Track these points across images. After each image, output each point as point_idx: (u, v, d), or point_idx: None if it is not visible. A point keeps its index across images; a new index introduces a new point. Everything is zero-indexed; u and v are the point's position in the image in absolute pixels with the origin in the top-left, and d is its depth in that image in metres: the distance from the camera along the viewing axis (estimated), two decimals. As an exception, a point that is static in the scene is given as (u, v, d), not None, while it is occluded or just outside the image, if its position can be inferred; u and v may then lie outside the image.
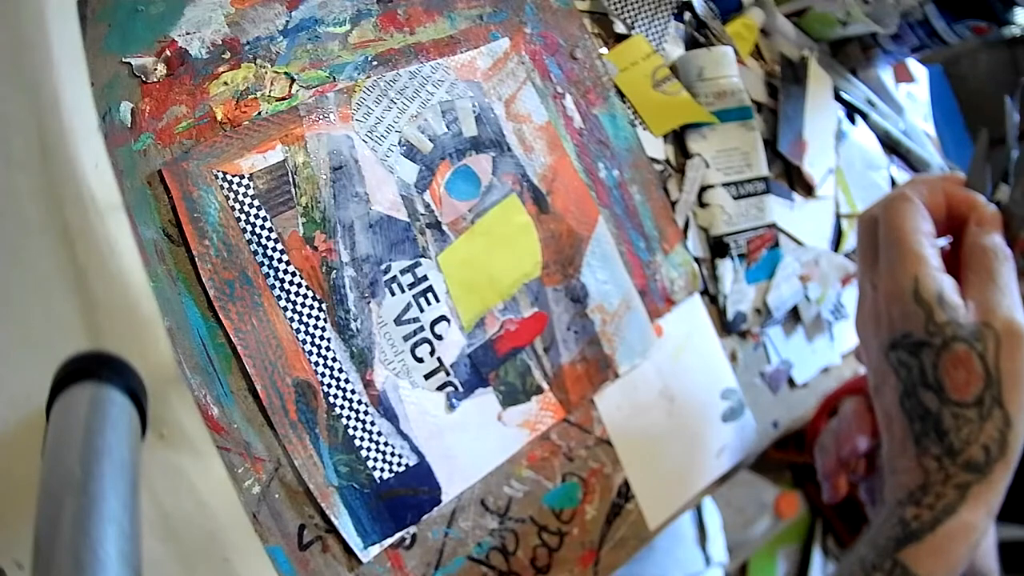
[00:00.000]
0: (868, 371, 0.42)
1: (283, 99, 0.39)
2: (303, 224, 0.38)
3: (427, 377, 0.41)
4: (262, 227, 0.38)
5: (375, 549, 0.38)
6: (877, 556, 0.37)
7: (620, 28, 0.53)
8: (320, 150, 0.39)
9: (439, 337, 0.41)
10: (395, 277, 0.41)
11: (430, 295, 0.41)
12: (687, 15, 0.57)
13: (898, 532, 0.37)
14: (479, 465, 0.42)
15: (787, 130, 0.59)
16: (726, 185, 0.54)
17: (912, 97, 0.74)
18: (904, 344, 0.38)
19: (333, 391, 0.38)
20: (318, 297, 0.38)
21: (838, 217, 0.63)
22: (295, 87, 0.40)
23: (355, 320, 0.39)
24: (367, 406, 0.39)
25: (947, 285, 0.38)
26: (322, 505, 0.37)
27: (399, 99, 0.42)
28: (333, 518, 0.37)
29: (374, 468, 0.39)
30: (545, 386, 0.44)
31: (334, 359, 0.38)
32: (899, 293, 0.38)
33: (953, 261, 0.41)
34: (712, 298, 0.53)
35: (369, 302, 0.40)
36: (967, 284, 0.38)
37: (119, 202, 0.32)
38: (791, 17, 0.63)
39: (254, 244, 0.37)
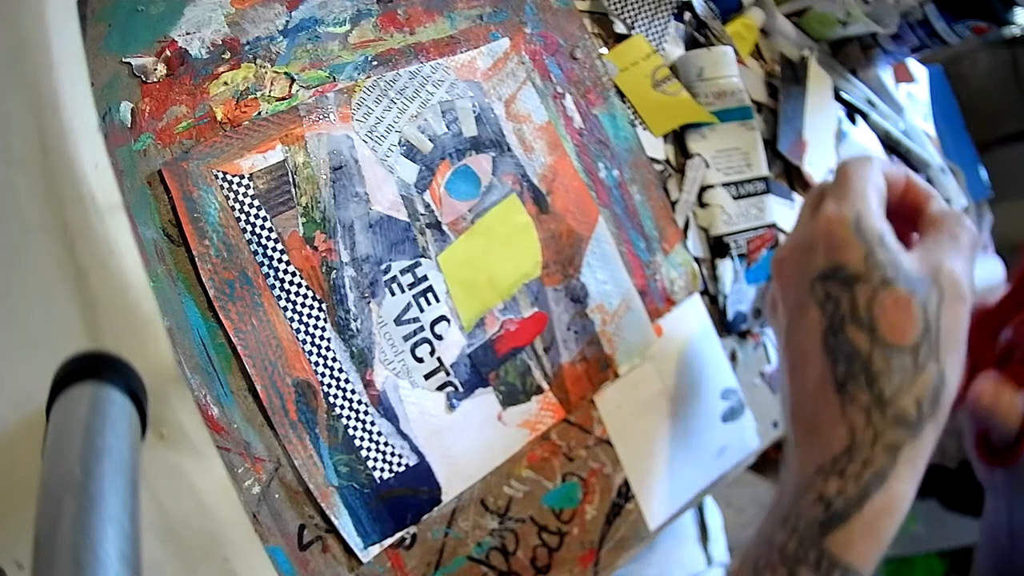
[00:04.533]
0: (780, 310, 0.39)
1: (283, 99, 0.39)
2: (303, 224, 0.38)
3: (427, 377, 0.41)
4: (262, 227, 0.38)
5: (375, 549, 0.38)
6: (799, 545, 0.33)
7: (620, 28, 0.53)
8: (320, 150, 0.39)
9: (439, 337, 0.41)
10: (395, 277, 0.41)
11: (430, 295, 0.41)
12: (687, 15, 0.57)
13: (820, 514, 0.33)
14: (479, 465, 0.42)
15: (787, 130, 0.59)
16: (726, 185, 0.54)
17: (912, 97, 0.74)
18: (836, 276, 0.35)
19: (333, 391, 0.38)
20: (318, 297, 0.38)
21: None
22: (295, 87, 0.40)
23: (355, 320, 0.39)
24: (367, 406, 0.39)
25: (889, 230, 0.35)
26: (322, 505, 0.37)
27: (399, 99, 0.42)
28: (333, 518, 0.37)
29: (374, 468, 0.39)
30: (545, 386, 0.44)
31: (334, 359, 0.38)
32: (840, 222, 0.35)
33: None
34: (712, 298, 0.53)
35: (369, 302, 0.40)
36: (924, 240, 0.36)
37: (119, 202, 0.32)
38: (791, 17, 0.63)
39: (254, 244, 0.37)
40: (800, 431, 0.36)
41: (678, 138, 0.54)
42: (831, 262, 0.35)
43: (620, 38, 0.53)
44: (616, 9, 0.53)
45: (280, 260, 0.38)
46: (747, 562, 0.36)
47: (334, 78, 0.41)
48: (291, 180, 0.38)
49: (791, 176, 0.60)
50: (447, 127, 0.44)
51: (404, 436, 0.40)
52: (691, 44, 0.57)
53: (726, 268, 0.53)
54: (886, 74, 0.71)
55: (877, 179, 0.37)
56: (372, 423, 0.39)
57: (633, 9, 0.54)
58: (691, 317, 0.51)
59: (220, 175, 0.37)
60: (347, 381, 0.39)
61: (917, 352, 0.33)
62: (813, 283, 0.35)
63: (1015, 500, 0.42)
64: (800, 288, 0.36)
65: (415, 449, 0.40)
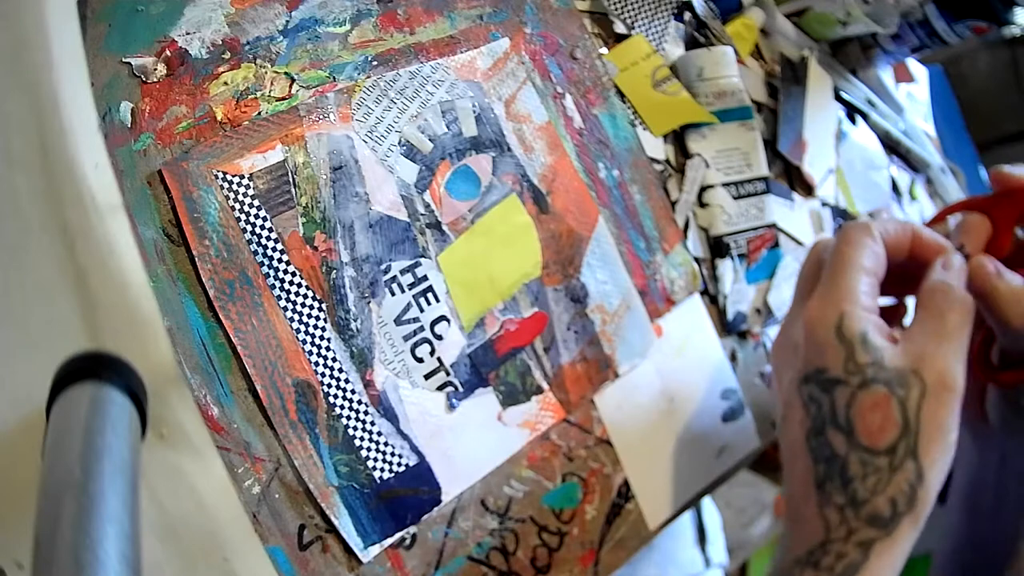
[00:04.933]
0: (777, 403, 0.40)
1: (283, 99, 0.39)
2: (303, 224, 0.38)
3: (427, 377, 0.41)
4: (262, 227, 0.38)
5: (375, 549, 0.38)
6: None
7: (620, 28, 0.53)
8: (320, 150, 0.39)
9: (439, 337, 0.41)
10: (395, 277, 0.41)
11: (430, 295, 0.41)
12: (687, 15, 0.57)
13: None
14: (479, 465, 0.42)
15: (787, 130, 0.59)
16: (726, 185, 0.54)
17: (912, 97, 0.74)
18: (818, 379, 0.35)
19: (333, 391, 0.38)
20: (318, 297, 0.38)
21: (844, 216, 0.63)
22: (295, 87, 0.40)
23: (355, 320, 0.39)
24: (367, 406, 0.39)
25: (873, 326, 0.35)
26: (322, 505, 0.37)
27: (399, 99, 0.42)
28: (333, 518, 0.37)
29: (374, 468, 0.39)
30: (545, 386, 0.44)
31: (334, 359, 0.38)
32: (822, 325, 0.35)
33: (893, 314, 0.40)
34: (712, 298, 0.53)
35: (369, 302, 0.40)
36: (913, 324, 0.36)
37: (119, 202, 0.32)
38: (791, 17, 0.63)
39: (254, 244, 0.37)
40: (787, 518, 0.37)
41: (678, 138, 0.54)
42: (813, 365, 0.36)
43: (620, 38, 0.53)
44: (616, 9, 0.53)
45: (280, 260, 0.38)
46: None
47: (334, 78, 0.41)
48: (291, 180, 0.38)
49: (791, 176, 0.60)
50: (447, 127, 0.44)
51: (404, 436, 0.40)
52: (691, 44, 0.57)
53: (726, 268, 0.53)
54: (886, 74, 0.71)
55: (871, 264, 0.37)
56: (372, 423, 0.39)
57: (633, 9, 0.54)
58: (691, 317, 0.51)
59: (220, 175, 0.37)
60: (347, 381, 0.39)
61: (894, 452, 0.33)
62: (799, 384, 0.36)
63: (1013, 443, 0.41)
64: (789, 385, 0.37)
65: (415, 449, 0.40)
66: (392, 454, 0.39)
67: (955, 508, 0.45)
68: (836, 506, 0.34)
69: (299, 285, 0.38)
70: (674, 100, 0.53)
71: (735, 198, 0.54)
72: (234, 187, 0.37)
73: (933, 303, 0.36)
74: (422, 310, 0.41)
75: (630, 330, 0.48)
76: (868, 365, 0.34)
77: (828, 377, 0.35)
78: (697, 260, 0.52)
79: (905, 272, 0.40)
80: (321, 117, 0.40)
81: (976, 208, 0.41)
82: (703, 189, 0.53)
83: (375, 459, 0.39)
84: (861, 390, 0.34)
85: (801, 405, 0.36)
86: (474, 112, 0.45)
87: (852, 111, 0.67)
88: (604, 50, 0.52)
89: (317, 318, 0.38)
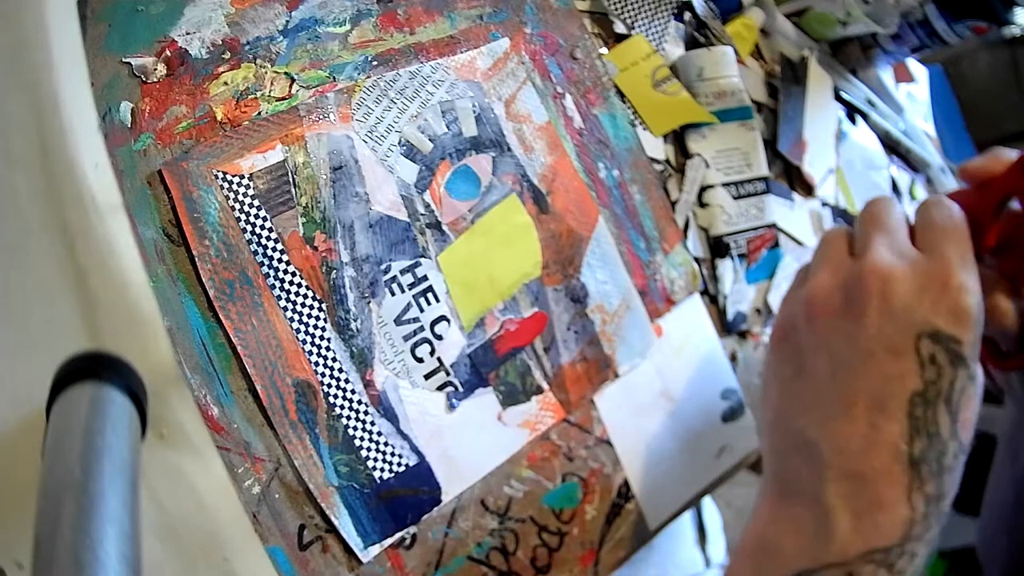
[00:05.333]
0: (863, 325, 0.33)
1: (283, 99, 0.39)
2: (303, 224, 0.38)
3: (427, 377, 0.41)
4: (262, 227, 0.38)
5: (375, 549, 0.38)
6: None
7: (620, 28, 0.53)
8: (320, 150, 0.39)
9: (439, 337, 0.41)
10: (395, 277, 0.41)
11: (430, 295, 0.41)
12: (687, 15, 0.57)
13: None
14: (479, 465, 0.42)
15: (787, 130, 0.59)
16: (726, 185, 0.54)
17: (912, 97, 0.74)
18: (950, 348, 0.32)
19: (333, 391, 0.38)
20: (318, 297, 0.38)
21: (845, 216, 0.63)
22: (295, 87, 0.40)
23: (355, 320, 0.39)
24: (367, 406, 0.39)
25: None
26: (322, 505, 0.37)
27: (399, 99, 0.42)
28: (333, 518, 0.37)
29: (374, 468, 0.39)
30: (545, 386, 0.44)
31: (334, 359, 0.38)
32: (971, 296, 0.32)
33: None
34: (712, 298, 0.53)
35: (369, 302, 0.40)
36: None
37: (119, 202, 0.32)
38: (791, 17, 0.63)
39: (254, 244, 0.37)
40: (846, 487, 0.31)
41: (678, 138, 0.54)
42: (950, 330, 0.32)
43: (620, 38, 0.53)
44: (616, 9, 0.53)
45: (280, 260, 0.38)
46: None
47: (334, 78, 0.41)
48: (291, 180, 0.38)
49: (791, 176, 0.60)
50: (447, 127, 0.44)
51: (404, 436, 0.40)
52: (691, 44, 0.57)
53: (726, 268, 0.53)
54: (886, 74, 0.71)
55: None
56: (372, 423, 0.39)
57: (633, 9, 0.54)
58: (691, 317, 0.51)
59: (220, 175, 0.37)
60: (347, 381, 0.39)
61: (962, 455, 0.32)
62: (921, 336, 0.32)
63: None
64: (904, 329, 0.32)
65: (415, 449, 0.40)
66: (392, 454, 0.39)
67: (1000, 470, 0.45)
68: (926, 496, 0.30)
69: (299, 285, 0.38)
70: (674, 100, 0.53)
71: (735, 198, 0.54)
72: (234, 187, 0.37)
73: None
74: (422, 310, 0.41)
75: (630, 330, 0.48)
76: (975, 360, 0.33)
77: (960, 351, 0.32)
78: (697, 260, 0.52)
79: None
80: (321, 117, 0.40)
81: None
82: (703, 189, 0.53)
83: (375, 459, 0.39)
84: (971, 382, 0.32)
85: (916, 359, 0.32)
86: (474, 112, 0.45)
87: (852, 111, 0.67)
88: (604, 50, 0.52)
89: (317, 318, 0.38)
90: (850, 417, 0.32)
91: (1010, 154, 0.38)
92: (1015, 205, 0.38)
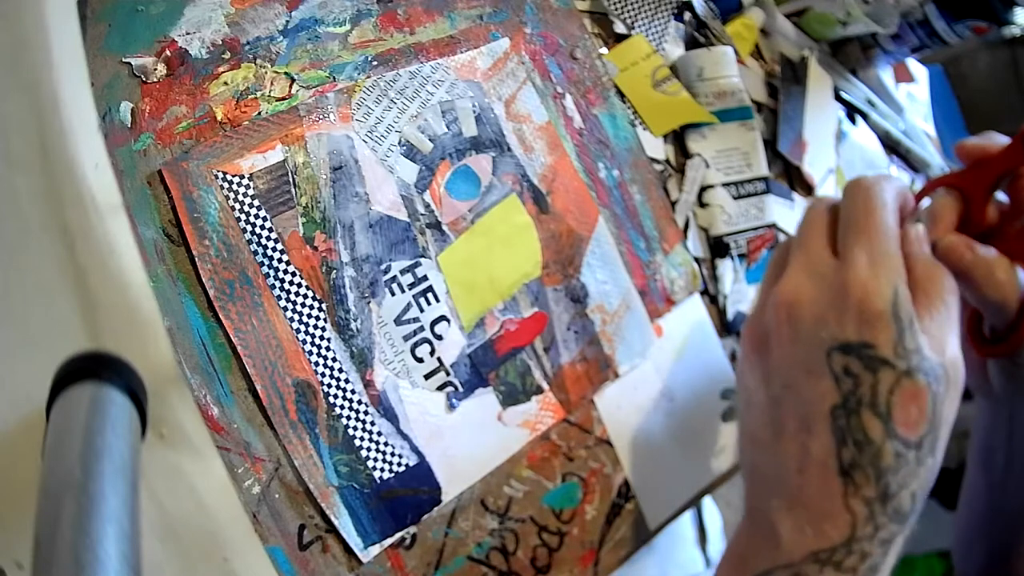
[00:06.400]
0: (778, 359, 0.35)
1: (283, 99, 0.39)
2: (303, 224, 0.38)
3: (427, 377, 0.41)
4: (262, 227, 0.38)
5: (375, 549, 0.38)
6: None
7: (620, 28, 0.53)
8: (320, 150, 0.39)
9: (439, 337, 0.41)
10: (395, 277, 0.41)
11: (430, 295, 0.41)
12: (687, 15, 0.57)
13: None
14: (479, 465, 0.42)
15: (787, 130, 0.59)
16: (726, 185, 0.54)
17: (912, 97, 0.74)
18: (862, 354, 0.32)
19: (333, 391, 0.38)
20: (318, 297, 0.38)
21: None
22: (295, 87, 0.40)
23: (355, 320, 0.39)
24: (367, 406, 0.39)
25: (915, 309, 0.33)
26: (322, 505, 0.37)
27: (399, 99, 0.42)
28: (333, 518, 0.37)
29: (374, 468, 0.39)
30: (545, 386, 0.44)
31: (334, 359, 0.38)
32: (879, 297, 0.32)
33: None
34: (712, 298, 0.53)
35: (369, 302, 0.40)
36: (921, 310, 0.33)
37: (119, 202, 0.32)
38: (791, 17, 0.63)
39: (254, 244, 0.37)
40: (786, 501, 0.34)
41: (678, 138, 0.54)
42: (860, 337, 0.32)
43: (620, 38, 0.53)
44: (616, 9, 0.53)
45: (280, 260, 0.38)
46: None
47: (334, 78, 0.41)
48: (291, 180, 0.38)
49: (791, 176, 0.60)
50: (447, 127, 0.44)
51: (404, 436, 0.40)
52: (691, 44, 0.57)
53: (726, 268, 0.53)
54: (886, 74, 0.71)
55: (893, 220, 0.34)
56: (372, 423, 0.39)
57: (633, 9, 0.54)
58: (691, 317, 0.51)
59: (220, 175, 0.37)
60: (347, 381, 0.39)
61: (921, 446, 0.32)
62: (832, 351, 0.33)
63: (1016, 404, 0.40)
64: (813, 350, 0.33)
65: (415, 449, 0.40)
66: (392, 454, 0.39)
67: (974, 473, 0.44)
68: (865, 499, 0.32)
69: (299, 285, 0.38)
70: (674, 100, 0.53)
71: (735, 198, 0.54)
72: (234, 187, 0.37)
73: (935, 289, 0.34)
74: (422, 310, 0.41)
75: (630, 330, 0.48)
76: (914, 352, 0.32)
77: (875, 355, 0.32)
78: (697, 260, 0.52)
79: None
80: (321, 117, 0.40)
81: (949, 184, 0.40)
82: (703, 189, 0.54)
83: (375, 459, 0.39)
84: (905, 378, 0.32)
85: (830, 375, 0.32)
86: (474, 112, 0.45)
87: (852, 111, 0.67)
88: (604, 50, 0.52)
89: (317, 318, 0.38)
90: (783, 442, 0.34)
91: (1005, 139, 0.38)
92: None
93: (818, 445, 0.33)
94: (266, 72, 0.39)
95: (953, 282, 0.35)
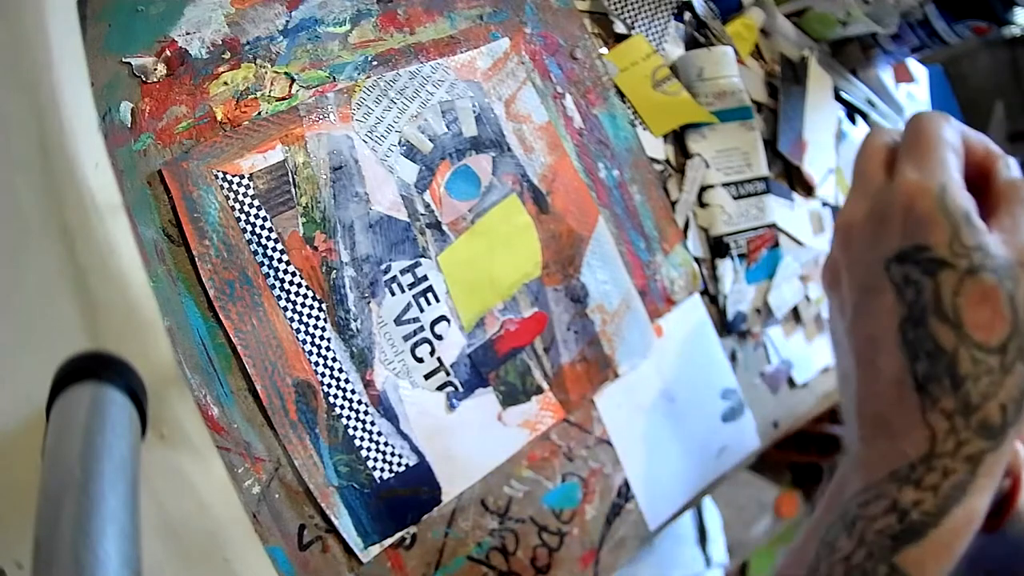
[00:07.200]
0: (845, 285, 0.35)
1: (283, 99, 0.39)
2: (303, 224, 0.38)
3: (427, 377, 0.41)
4: (262, 227, 0.38)
5: (375, 549, 0.38)
6: (867, 558, 0.30)
7: (620, 28, 0.53)
8: (320, 150, 0.39)
9: (439, 337, 0.41)
10: (395, 277, 0.41)
11: (430, 295, 0.41)
12: (687, 15, 0.57)
13: (894, 525, 0.30)
14: (479, 465, 0.42)
15: (787, 130, 0.59)
16: (726, 185, 0.54)
17: (912, 97, 0.74)
18: (918, 258, 0.30)
19: (333, 391, 0.38)
20: (318, 297, 0.38)
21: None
22: (295, 87, 0.40)
23: (355, 320, 0.39)
24: (367, 406, 0.39)
25: (974, 206, 0.31)
26: (322, 505, 0.37)
27: (399, 99, 0.42)
28: (333, 518, 0.37)
29: (374, 468, 0.39)
30: (545, 386, 0.44)
31: (334, 359, 0.38)
32: (924, 195, 0.31)
33: None
34: (712, 298, 0.53)
35: (369, 302, 0.40)
36: (996, 218, 0.32)
37: (119, 202, 0.32)
38: (791, 17, 0.63)
39: (254, 244, 0.37)
40: (869, 427, 0.33)
41: (678, 138, 0.54)
42: (912, 241, 0.31)
43: (620, 38, 0.53)
44: (616, 9, 0.53)
45: (280, 260, 0.38)
46: (799, 559, 0.34)
47: (334, 78, 0.41)
48: (291, 180, 0.38)
49: (791, 176, 0.60)
50: (447, 127, 0.44)
51: (404, 436, 0.40)
52: (691, 44, 0.57)
53: (726, 268, 0.53)
54: (886, 74, 0.71)
55: (956, 142, 0.33)
56: (372, 423, 0.39)
57: (633, 9, 0.54)
58: (691, 317, 0.51)
59: (220, 175, 0.37)
60: (347, 381, 0.39)
61: (1005, 352, 0.30)
62: (889, 263, 0.31)
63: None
64: (872, 267, 0.32)
65: (415, 449, 0.40)
66: (392, 454, 0.39)
67: None
68: (944, 412, 0.30)
69: (299, 285, 0.38)
70: (674, 100, 0.53)
71: (735, 198, 0.54)
72: (234, 187, 0.37)
73: (1017, 198, 0.32)
74: (422, 310, 0.41)
75: (630, 330, 0.48)
76: (975, 249, 0.30)
77: (931, 256, 0.30)
78: (697, 260, 0.52)
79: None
80: (321, 117, 0.40)
81: None
82: (703, 189, 0.53)
83: (375, 459, 0.39)
84: (969, 276, 0.30)
85: (892, 289, 0.31)
86: (474, 112, 0.45)
87: (852, 111, 0.67)
88: (604, 50, 0.52)
89: (317, 318, 0.38)
90: (860, 366, 0.33)
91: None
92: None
93: (891, 363, 0.31)
94: (266, 72, 0.39)
95: None
